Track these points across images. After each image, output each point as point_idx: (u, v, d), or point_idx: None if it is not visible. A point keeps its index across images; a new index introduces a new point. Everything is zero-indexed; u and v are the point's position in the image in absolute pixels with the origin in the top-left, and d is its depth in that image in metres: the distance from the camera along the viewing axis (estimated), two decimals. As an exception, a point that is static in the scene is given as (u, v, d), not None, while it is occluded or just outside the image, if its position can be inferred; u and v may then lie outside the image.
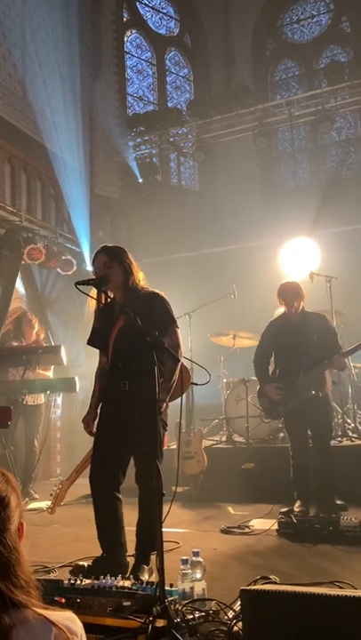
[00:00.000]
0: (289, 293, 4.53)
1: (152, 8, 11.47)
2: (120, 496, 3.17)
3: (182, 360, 3.16)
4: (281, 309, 6.27)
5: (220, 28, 11.39)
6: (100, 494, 3.15)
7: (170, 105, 11.20)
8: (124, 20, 10.92)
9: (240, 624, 2.03)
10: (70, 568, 3.20)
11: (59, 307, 7.96)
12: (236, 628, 2.14)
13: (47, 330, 6.96)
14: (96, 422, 3.28)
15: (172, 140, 9.94)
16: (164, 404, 3.09)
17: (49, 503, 4.39)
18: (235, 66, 11.28)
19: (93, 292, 3.15)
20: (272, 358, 4.70)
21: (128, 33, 11.06)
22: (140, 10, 11.30)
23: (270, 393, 4.49)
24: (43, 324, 6.57)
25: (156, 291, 3.25)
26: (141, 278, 3.27)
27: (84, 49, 9.44)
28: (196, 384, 3.15)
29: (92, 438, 3.27)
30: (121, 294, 3.18)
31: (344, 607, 1.77)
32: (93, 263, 3.26)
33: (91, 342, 3.40)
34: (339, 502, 4.41)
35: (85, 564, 3.15)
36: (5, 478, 1.29)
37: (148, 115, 10.21)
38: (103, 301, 3.19)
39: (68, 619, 1.22)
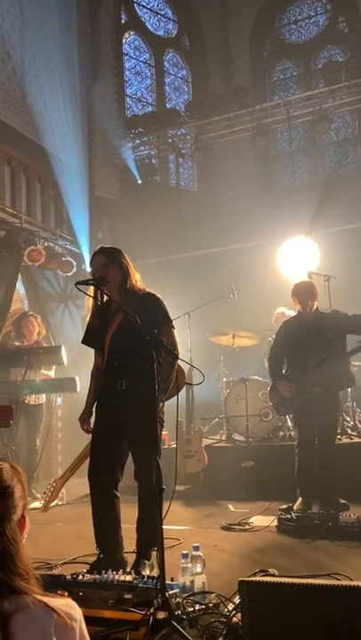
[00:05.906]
0: (304, 293, 4.61)
1: (150, 10, 11.51)
2: (118, 494, 3.21)
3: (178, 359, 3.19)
4: (281, 308, 6.37)
5: (217, 30, 11.43)
6: (98, 492, 3.18)
7: (168, 106, 11.23)
8: (122, 21, 10.96)
9: (239, 615, 2.06)
10: (71, 565, 3.24)
11: (60, 307, 8.00)
12: (235, 619, 2.18)
13: (48, 330, 6.98)
14: (93, 421, 3.31)
15: (170, 140, 9.98)
16: (162, 403, 3.12)
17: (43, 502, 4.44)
18: (233, 67, 11.31)
19: (92, 291, 3.19)
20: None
21: (126, 35, 11.09)
22: (138, 11, 11.34)
23: (282, 389, 4.57)
24: (44, 324, 6.60)
25: (152, 291, 3.28)
26: (138, 279, 3.29)
27: (83, 51, 9.48)
28: (190, 384, 3.16)
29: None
30: (118, 294, 3.19)
31: (340, 597, 1.81)
32: (91, 264, 3.28)
33: (85, 341, 3.41)
34: (342, 501, 4.41)
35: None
36: (14, 470, 1.32)
37: (147, 116, 10.25)
38: (101, 300, 3.22)
39: (67, 605, 1.25)
